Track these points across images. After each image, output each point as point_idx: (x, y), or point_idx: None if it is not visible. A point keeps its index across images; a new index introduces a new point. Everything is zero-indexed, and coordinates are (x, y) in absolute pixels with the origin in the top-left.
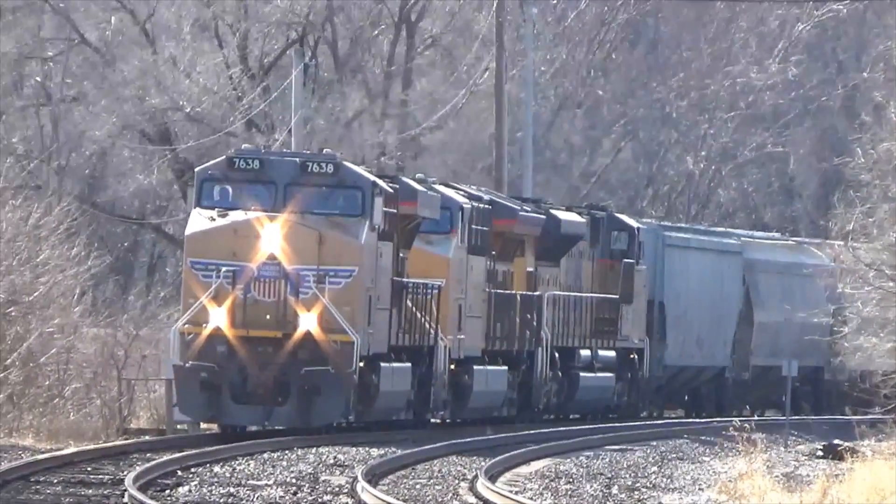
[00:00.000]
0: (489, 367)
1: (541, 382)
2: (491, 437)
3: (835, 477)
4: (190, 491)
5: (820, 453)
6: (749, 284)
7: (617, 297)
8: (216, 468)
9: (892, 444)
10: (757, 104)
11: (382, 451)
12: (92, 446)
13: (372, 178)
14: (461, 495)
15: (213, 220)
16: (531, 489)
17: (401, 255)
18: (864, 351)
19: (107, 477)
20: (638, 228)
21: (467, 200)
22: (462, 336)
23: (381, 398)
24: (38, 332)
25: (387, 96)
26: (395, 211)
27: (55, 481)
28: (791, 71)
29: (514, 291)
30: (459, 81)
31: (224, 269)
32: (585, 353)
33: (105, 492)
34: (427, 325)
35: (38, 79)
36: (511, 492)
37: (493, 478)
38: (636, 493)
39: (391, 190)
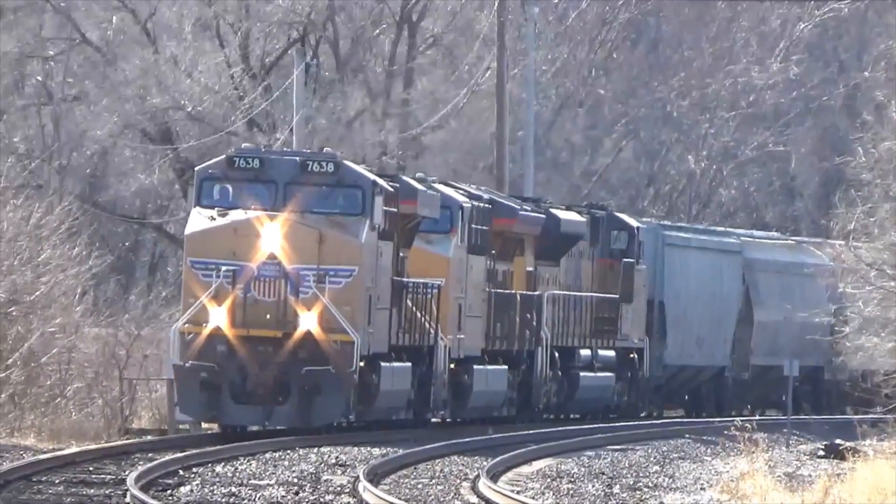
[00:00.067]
0: (489, 367)
1: (541, 382)
2: (492, 436)
3: (836, 476)
4: (192, 491)
5: (821, 453)
6: (749, 284)
7: (617, 296)
8: (218, 468)
9: (894, 444)
10: (758, 103)
11: (384, 451)
12: (94, 446)
13: (372, 177)
14: (463, 495)
15: (213, 219)
16: (533, 489)
17: (401, 254)
18: (865, 351)
19: (108, 477)
20: (638, 228)
21: (467, 200)
22: (462, 336)
23: (382, 398)
24: (40, 332)
25: (388, 96)
26: (395, 210)
27: (57, 481)
28: (792, 70)
29: (513, 291)
30: (461, 81)
31: (224, 268)
32: (585, 352)
33: (107, 492)
34: (427, 325)
35: (40, 78)
36: (513, 491)
37: (494, 477)
38: (638, 492)
39: (391, 189)
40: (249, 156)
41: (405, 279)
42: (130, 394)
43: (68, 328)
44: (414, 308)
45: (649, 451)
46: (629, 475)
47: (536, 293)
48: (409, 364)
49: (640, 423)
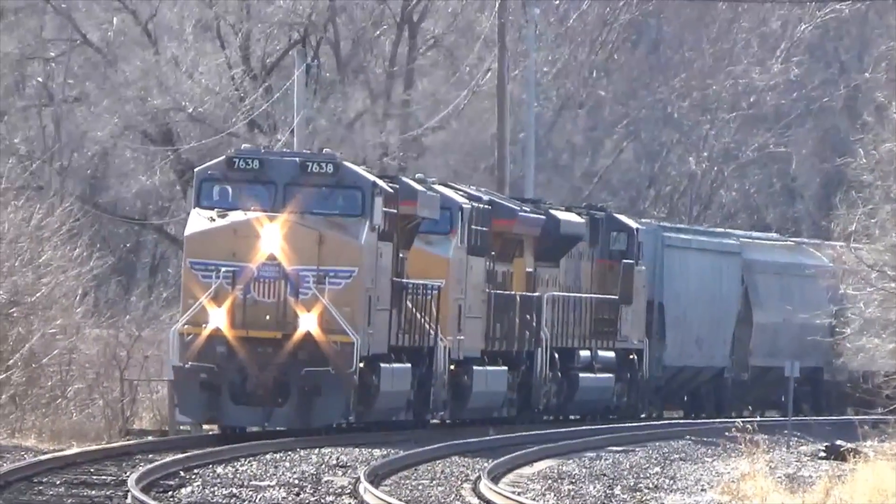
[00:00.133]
0: (489, 368)
1: (540, 383)
2: (492, 437)
3: (837, 478)
4: (192, 492)
5: (822, 454)
6: (748, 285)
7: (616, 297)
8: (219, 469)
9: (895, 445)
10: (759, 104)
11: (385, 452)
12: (94, 447)
13: (372, 178)
14: (464, 496)
15: (213, 220)
16: (534, 490)
17: (400, 255)
18: (866, 352)
19: (109, 478)
20: (637, 229)
21: (467, 201)
22: (462, 337)
23: (381, 399)
24: (41, 333)
25: (389, 97)
26: (395, 211)
27: (58, 482)
28: (793, 71)
29: (513, 292)
30: (461, 82)
31: (224, 269)
32: (585, 353)
33: (108, 493)
34: (427, 326)
35: (40, 79)
36: (514, 493)
37: (495, 479)
38: (639, 493)
39: (391, 190)
40: (249, 157)
41: (405, 280)
42: (131, 395)
43: (69, 329)
44: (414, 309)
45: (650, 452)
46: (630, 476)
47: (536, 294)
48: (409, 365)
49: (641, 424)
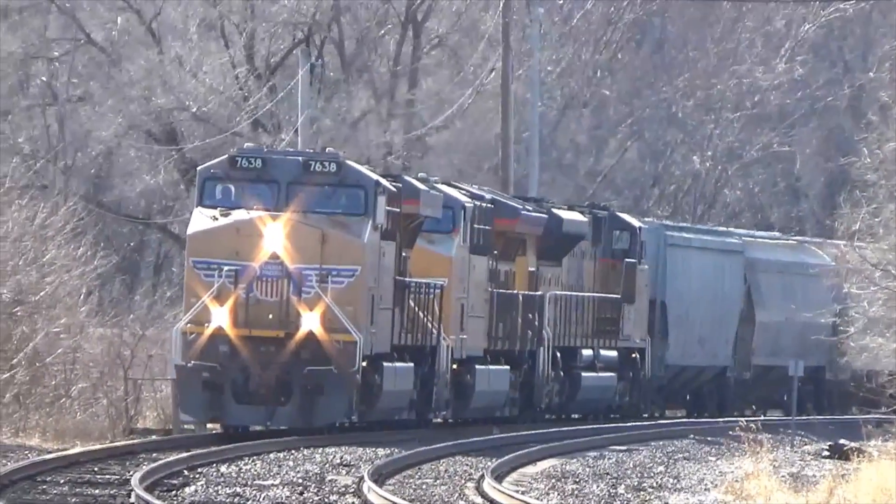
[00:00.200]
0: (491, 367)
1: (543, 382)
2: (495, 437)
3: (841, 477)
4: (196, 491)
5: (826, 453)
6: (750, 284)
7: (619, 296)
8: (222, 468)
9: None
10: (763, 104)
11: (388, 451)
12: (98, 446)
13: (375, 176)
14: (468, 495)
15: (216, 219)
16: (537, 489)
17: (403, 254)
18: (870, 351)
19: (113, 477)
20: (640, 228)
21: (469, 200)
22: (464, 336)
23: (384, 398)
24: (45, 332)
25: (393, 96)
26: (397, 210)
27: (61, 481)
28: (797, 71)
29: (516, 291)
30: (465, 81)
31: (226, 268)
32: (587, 352)
33: (111, 492)
34: (429, 325)
35: (44, 79)
36: (517, 492)
37: (499, 478)
38: (642, 493)
39: (394, 189)
40: (252, 156)
41: (408, 279)
42: (135, 394)
43: (73, 328)
44: (416, 308)
45: (653, 451)
46: (634, 476)
47: (538, 293)
48: (412, 364)
49: (644, 423)
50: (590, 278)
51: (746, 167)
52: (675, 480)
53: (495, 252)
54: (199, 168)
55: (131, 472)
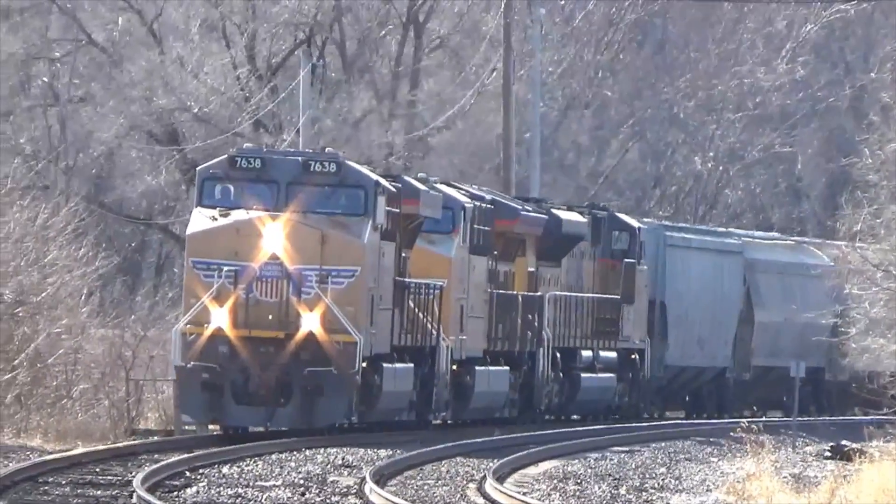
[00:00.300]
0: (491, 368)
1: (542, 383)
2: (496, 438)
3: (843, 478)
4: (198, 492)
5: (828, 454)
6: (750, 284)
7: (618, 297)
8: (224, 469)
9: None
10: (764, 105)
11: (390, 452)
12: (100, 447)
13: (375, 177)
14: (469, 496)
15: (215, 219)
16: (539, 490)
17: (403, 254)
18: (871, 352)
19: (115, 478)
20: (639, 228)
21: (469, 200)
22: (464, 336)
23: (384, 399)
24: (46, 333)
25: (394, 97)
26: (397, 210)
27: (63, 482)
28: (798, 71)
29: (515, 292)
30: (467, 82)
31: (226, 268)
32: (587, 353)
33: (113, 493)
34: (429, 326)
35: (46, 79)
36: (519, 493)
37: (500, 479)
38: (644, 493)
39: (394, 189)
40: (251, 156)
41: (407, 279)
42: (137, 395)
43: (75, 329)
44: (416, 308)
45: (655, 452)
46: (636, 476)
47: (538, 294)
48: (412, 365)
49: (645, 424)
50: (589, 279)
51: (748, 168)
52: (677, 481)
53: (495, 252)
54: (198, 168)
55: (133, 473)
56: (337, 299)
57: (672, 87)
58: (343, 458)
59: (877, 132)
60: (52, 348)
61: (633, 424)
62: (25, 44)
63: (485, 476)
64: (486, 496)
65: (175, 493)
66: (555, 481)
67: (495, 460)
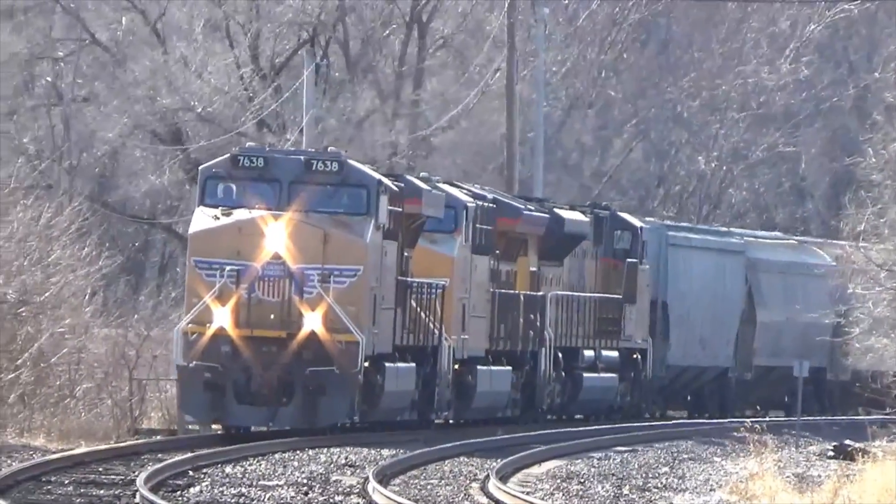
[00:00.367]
0: (493, 368)
1: (544, 383)
2: (499, 437)
3: (846, 477)
4: (201, 491)
5: (831, 454)
6: (751, 284)
7: (620, 296)
8: (227, 468)
9: None
10: (768, 104)
11: (393, 452)
12: (103, 446)
13: (377, 176)
14: (473, 496)
15: (217, 218)
16: (542, 490)
17: (405, 254)
18: (874, 352)
19: (118, 477)
20: (641, 228)
21: (471, 199)
22: (466, 336)
23: (386, 398)
24: (50, 333)
25: (398, 96)
26: (399, 209)
27: (66, 481)
28: (802, 71)
29: (517, 291)
30: (471, 82)
31: (228, 268)
32: (589, 353)
33: (116, 492)
34: (431, 325)
35: (49, 79)
36: (522, 492)
37: (504, 478)
38: (648, 493)
39: (396, 188)
40: (254, 155)
41: (409, 279)
42: (140, 394)
43: (78, 329)
44: (418, 308)
45: (658, 452)
46: (639, 476)
47: (540, 293)
48: (414, 364)
49: (647, 423)
50: (591, 278)
51: (751, 167)
52: (680, 481)
53: (497, 252)
54: (200, 167)
55: (136, 473)
56: (339, 299)
57: (676, 86)
58: (346, 458)
59: (880, 132)
60: (56, 348)
61: (635, 424)
62: (29, 43)
63: (488, 476)
64: (489, 496)
65: (178, 492)
66: (558, 481)
67: (498, 460)
